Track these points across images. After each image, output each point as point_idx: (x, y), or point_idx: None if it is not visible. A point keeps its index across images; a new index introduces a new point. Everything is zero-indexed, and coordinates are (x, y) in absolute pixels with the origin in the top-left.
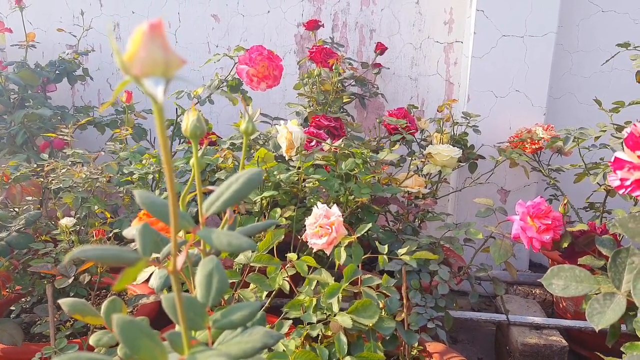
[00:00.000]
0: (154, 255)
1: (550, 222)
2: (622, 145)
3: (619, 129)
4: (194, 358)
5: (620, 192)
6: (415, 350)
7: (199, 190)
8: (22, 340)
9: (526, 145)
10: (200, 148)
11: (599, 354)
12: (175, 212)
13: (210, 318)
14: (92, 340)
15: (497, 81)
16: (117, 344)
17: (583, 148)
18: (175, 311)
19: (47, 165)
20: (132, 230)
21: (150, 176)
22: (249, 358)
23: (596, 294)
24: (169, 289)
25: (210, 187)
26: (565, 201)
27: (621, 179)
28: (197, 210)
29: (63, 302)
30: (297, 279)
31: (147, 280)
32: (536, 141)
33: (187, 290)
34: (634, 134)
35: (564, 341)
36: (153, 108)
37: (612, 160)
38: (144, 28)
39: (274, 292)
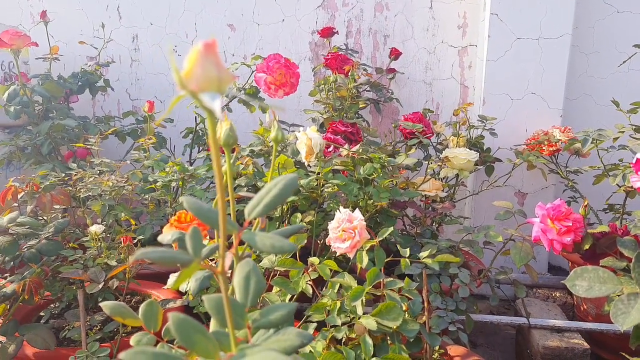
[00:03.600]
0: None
1: (571, 224)
2: None
3: (638, 129)
4: (243, 354)
5: None
6: (436, 354)
7: (231, 196)
8: (54, 344)
9: (543, 148)
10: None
11: (624, 354)
12: (224, 216)
13: (249, 318)
14: (132, 341)
15: (513, 84)
16: (156, 344)
17: (601, 149)
18: (217, 311)
19: (75, 175)
20: (167, 236)
21: (174, 184)
22: (287, 355)
23: (619, 295)
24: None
25: (242, 194)
26: (586, 203)
27: None
28: None
29: (105, 305)
30: (317, 283)
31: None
32: (553, 143)
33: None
34: None
35: (585, 344)
36: (207, 121)
37: (634, 161)
38: (199, 47)
39: (295, 296)
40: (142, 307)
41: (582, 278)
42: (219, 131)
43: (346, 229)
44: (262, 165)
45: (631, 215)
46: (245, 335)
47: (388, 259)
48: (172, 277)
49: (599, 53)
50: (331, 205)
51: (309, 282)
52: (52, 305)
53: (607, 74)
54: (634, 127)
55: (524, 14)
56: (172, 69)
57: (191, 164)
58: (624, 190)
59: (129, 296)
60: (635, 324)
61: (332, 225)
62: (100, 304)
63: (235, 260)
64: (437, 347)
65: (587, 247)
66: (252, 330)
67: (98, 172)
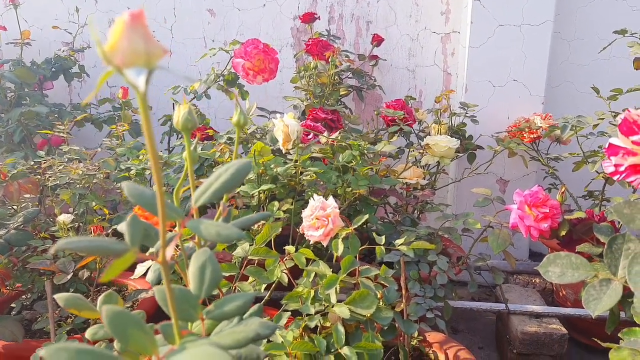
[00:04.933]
0: (152, 250)
1: (547, 211)
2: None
3: (617, 116)
4: (183, 347)
5: (615, 178)
6: (415, 340)
7: (192, 183)
8: (23, 336)
9: (524, 135)
10: (193, 141)
11: (596, 339)
12: (162, 202)
13: (205, 309)
14: (88, 334)
15: (495, 71)
16: (114, 338)
17: (581, 136)
18: (166, 303)
19: (44, 163)
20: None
21: (148, 171)
22: (241, 348)
23: (592, 281)
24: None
25: (203, 181)
26: (563, 189)
27: (615, 165)
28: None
29: (59, 297)
30: (296, 272)
31: (146, 274)
32: (534, 130)
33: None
34: (628, 119)
35: (563, 329)
36: (137, 97)
37: (607, 146)
38: (125, 18)
39: (273, 285)
40: (100, 298)
41: (555, 264)
42: (176, 115)
43: (319, 216)
44: (241, 153)
45: (610, 201)
46: (207, 327)
47: (369, 247)
48: (139, 267)
49: (581, 40)
50: (310, 193)
51: (284, 271)
52: (23, 296)
53: (588, 61)
54: (613, 113)
55: (507, 0)
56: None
57: (169, 152)
58: (602, 176)
59: (105, 286)
60: (607, 310)
61: (305, 213)
62: (55, 296)
63: (197, 249)
64: (415, 334)
65: (563, 233)
66: (209, 323)
67: (66, 160)
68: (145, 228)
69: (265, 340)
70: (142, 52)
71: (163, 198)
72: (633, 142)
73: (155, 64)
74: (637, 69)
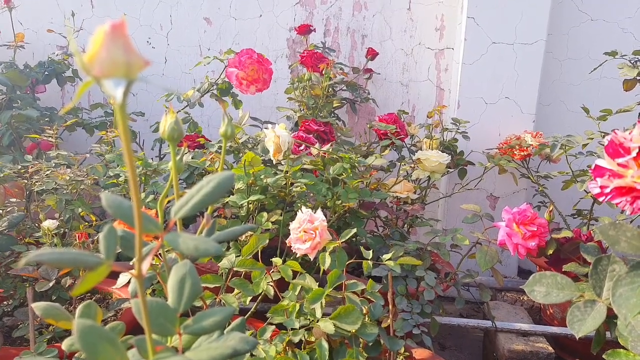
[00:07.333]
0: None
1: (535, 229)
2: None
3: (606, 137)
4: None
5: (601, 199)
6: (401, 357)
7: (176, 193)
8: (2, 343)
9: (515, 152)
10: (180, 150)
11: None
12: (139, 214)
13: (183, 324)
14: (64, 345)
15: (487, 88)
16: None
17: (570, 155)
18: (142, 317)
19: (31, 167)
20: None
21: (137, 179)
22: None
23: (578, 301)
24: (152, 293)
25: (187, 191)
26: (551, 208)
27: (601, 187)
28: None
29: (36, 306)
30: (283, 284)
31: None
32: (525, 148)
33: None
34: (614, 141)
35: (550, 348)
36: (114, 107)
37: (593, 167)
38: (105, 28)
39: (260, 297)
40: (78, 308)
41: (540, 284)
42: (162, 124)
43: (307, 229)
44: (232, 162)
45: (598, 220)
46: (186, 341)
47: (357, 260)
48: (122, 277)
49: (572, 60)
50: (299, 205)
51: (270, 284)
52: (5, 302)
53: (579, 80)
54: (602, 134)
55: (500, 19)
56: (74, 52)
57: (161, 159)
58: (591, 196)
59: (89, 294)
60: (591, 332)
61: (293, 225)
62: (32, 305)
63: (180, 261)
64: (402, 350)
65: (550, 252)
66: (189, 338)
67: (54, 165)
68: (128, 238)
69: (248, 355)
70: (121, 63)
71: (140, 210)
72: (619, 165)
73: (135, 75)
74: (626, 90)
